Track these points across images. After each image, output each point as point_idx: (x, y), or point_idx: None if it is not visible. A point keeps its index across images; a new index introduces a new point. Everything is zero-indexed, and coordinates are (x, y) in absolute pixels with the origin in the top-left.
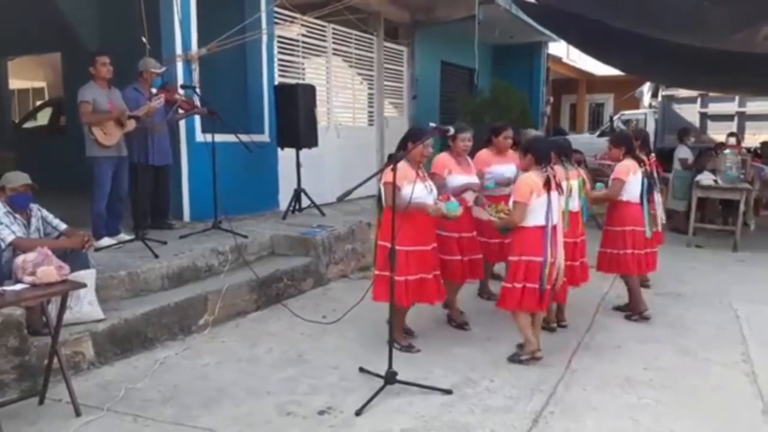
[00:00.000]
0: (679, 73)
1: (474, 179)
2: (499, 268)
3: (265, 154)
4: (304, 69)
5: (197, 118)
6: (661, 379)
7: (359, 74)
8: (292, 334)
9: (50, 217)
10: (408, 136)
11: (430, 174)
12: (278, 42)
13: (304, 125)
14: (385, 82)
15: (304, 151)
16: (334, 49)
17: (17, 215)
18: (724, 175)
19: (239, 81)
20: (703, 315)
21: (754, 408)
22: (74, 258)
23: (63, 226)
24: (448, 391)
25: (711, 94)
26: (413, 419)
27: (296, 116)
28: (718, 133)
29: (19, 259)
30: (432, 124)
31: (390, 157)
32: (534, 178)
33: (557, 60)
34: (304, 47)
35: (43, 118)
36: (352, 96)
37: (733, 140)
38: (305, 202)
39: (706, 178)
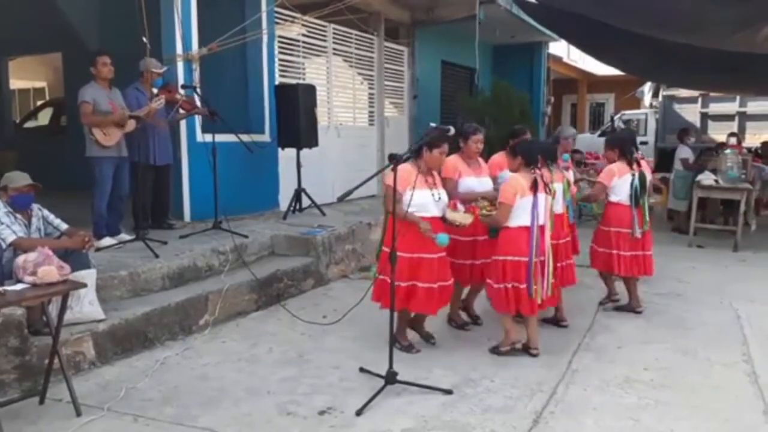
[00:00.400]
0: (680, 73)
1: (486, 182)
2: None
3: (266, 154)
4: (304, 69)
5: (198, 118)
6: (661, 379)
7: (360, 74)
8: (292, 334)
9: (51, 216)
10: (427, 141)
11: (442, 178)
12: (279, 42)
13: (305, 125)
14: (386, 82)
15: (304, 151)
16: (335, 49)
17: (18, 215)
18: (724, 175)
19: (240, 81)
20: (703, 315)
21: (755, 408)
22: (75, 258)
23: (64, 226)
24: (449, 391)
25: (712, 94)
26: (414, 419)
27: (297, 116)
28: (718, 133)
29: (20, 259)
30: (432, 124)
31: (391, 156)
32: (520, 179)
33: (558, 60)
34: (304, 47)
35: (44, 117)
36: (352, 96)
37: (733, 140)
38: (306, 202)
39: (706, 178)
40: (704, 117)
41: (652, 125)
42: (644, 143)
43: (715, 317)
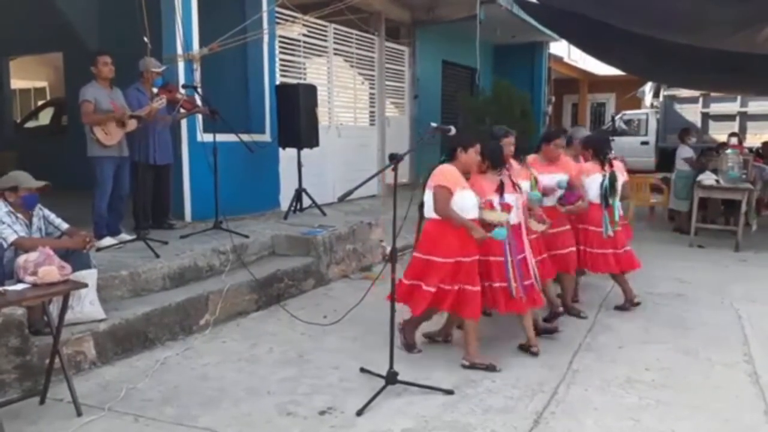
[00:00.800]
0: (681, 73)
1: (523, 186)
2: None
3: (267, 153)
4: (305, 69)
5: (199, 118)
6: (662, 380)
7: (360, 74)
8: (292, 334)
9: (52, 216)
10: (459, 141)
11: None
12: (279, 42)
13: (306, 125)
14: (387, 82)
15: (305, 151)
16: (336, 49)
17: (19, 215)
18: (725, 175)
19: (240, 81)
20: (704, 315)
21: (756, 408)
22: (76, 258)
23: (65, 226)
24: (449, 392)
25: (713, 94)
26: (414, 419)
27: (297, 116)
28: (719, 133)
29: (21, 259)
30: (433, 124)
31: (391, 156)
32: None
33: (559, 60)
34: (305, 47)
35: (45, 117)
36: (353, 96)
37: (734, 140)
38: (306, 202)
39: (707, 178)
40: (705, 117)
41: (653, 125)
42: (645, 143)
43: (716, 317)
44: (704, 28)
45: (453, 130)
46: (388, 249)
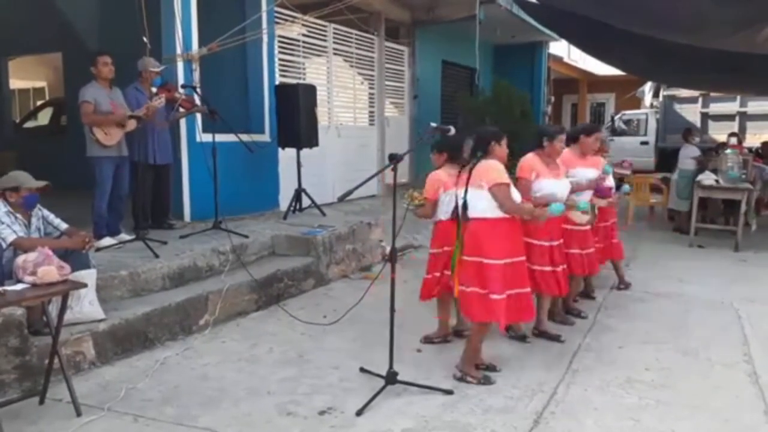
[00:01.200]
0: (681, 73)
1: (563, 184)
2: None
3: (266, 153)
4: (304, 69)
5: (198, 118)
6: (662, 380)
7: (360, 74)
8: (292, 334)
9: (51, 216)
10: (491, 135)
11: (517, 178)
12: (279, 42)
13: (305, 125)
14: (386, 82)
15: (304, 151)
16: (335, 49)
17: (18, 215)
18: (725, 175)
19: (240, 81)
20: (704, 315)
21: (756, 408)
22: (75, 258)
23: (64, 226)
24: (449, 392)
25: (712, 94)
26: (414, 419)
27: (297, 116)
28: (719, 133)
29: (20, 259)
30: (433, 124)
31: (391, 156)
32: (442, 175)
33: (558, 59)
34: (304, 47)
35: (44, 117)
36: (352, 96)
37: (734, 140)
38: (306, 202)
39: (707, 178)
40: (705, 117)
41: (652, 125)
42: (645, 143)
43: (715, 317)
44: (704, 28)
45: (452, 130)
46: (388, 249)
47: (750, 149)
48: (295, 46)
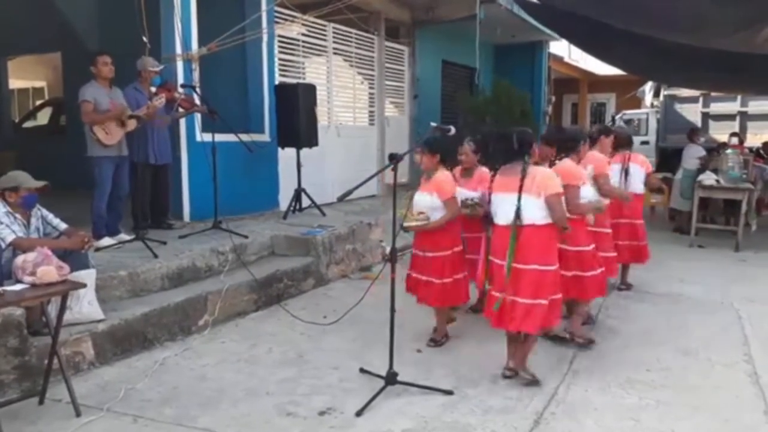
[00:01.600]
0: (681, 72)
1: (590, 187)
2: None
3: (266, 153)
4: (304, 68)
5: (198, 118)
6: (662, 380)
7: (360, 73)
8: (292, 335)
9: (50, 216)
10: (531, 136)
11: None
12: (279, 41)
13: (305, 125)
14: (386, 82)
15: (304, 151)
16: (335, 49)
17: (17, 215)
18: (726, 175)
19: (239, 80)
20: (704, 315)
21: (756, 408)
22: (74, 258)
23: (63, 226)
24: (449, 392)
25: (713, 93)
26: (414, 420)
27: (297, 116)
28: (719, 132)
29: (19, 259)
30: (433, 124)
31: (391, 156)
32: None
33: (559, 59)
34: (304, 46)
35: (43, 117)
36: (352, 95)
37: (735, 140)
38: (306, 201)
39: (708, 178)
40: (705, 117)
41: (653, 125)
42: (645, 143)
43: (716, 317)
44: (704, 28)
45: (453, 130)
46: (388, 249)
47: (751, 149)
48: (295, 46)
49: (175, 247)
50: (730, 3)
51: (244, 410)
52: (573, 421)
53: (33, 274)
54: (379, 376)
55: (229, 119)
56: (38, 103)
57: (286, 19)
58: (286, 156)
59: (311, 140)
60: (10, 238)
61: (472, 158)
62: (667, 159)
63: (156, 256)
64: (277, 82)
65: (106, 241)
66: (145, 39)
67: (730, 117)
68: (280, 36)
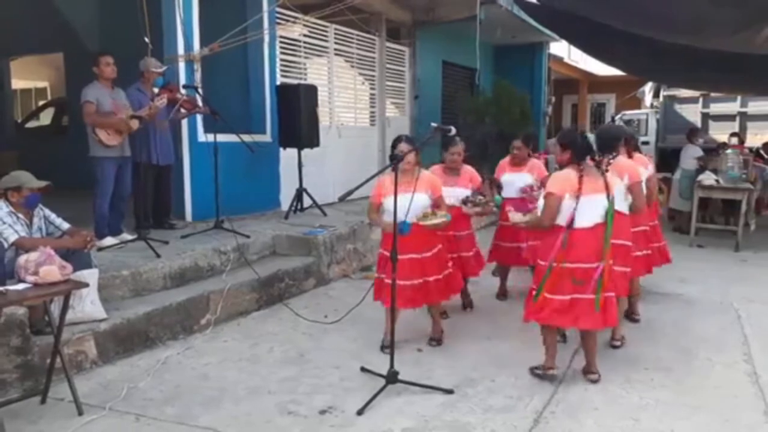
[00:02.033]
0: (681, 73)
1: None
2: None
3: (267, 154)
4: (306, 69)
5: (199, 118)
6: (662, 379)
7: (361, 74)
8: (293, 334)
9: (53, 216)
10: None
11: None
12: (280, 42)
13: (306, 125)
14: (387, 82)
15: (305, 151)
16: (336, 50)
17: (20, 215)
18: (725, 175)
19: (241, 81)
20: (704, 315)
21: (756, 408)
22: (77, 257)
23: (66, 226)
24: (450, 391)
25: (713, 94)
26: (414, 419)
27: (298, 116)
28: (719, 133)
29: (22, 259)
30: (434, 124)
31: (392, 157)
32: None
33: (559, 60)
34: (306, 47)
35: (46, 117)
36: (353, 96)
37: (735, 140)
38: (307, 201)
39: (707, 178)
40: (705, 117)
41: (652, 125)
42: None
43: (715, 317)
44: (704, 29)
45: (453, 130)
46: None
47: (751, 149)
48: (297, 47)
49: (177, 247)
50: (730, 3)
51: (246, 409)
52: (573, 420)
53: (36, 273)
54: (379, 375)
55: (231, 120)
56: (41, 103)
57: (287, 20)
58: (288, 156)
59: (312, 140)
60: (12, 237)
61: (463, 157)
62: (667, 159)
63: (158, 255)
64: (278, 83)
65: (109, 240)
66: (147, 39)
67: (730, 117)
68: (281, 37)
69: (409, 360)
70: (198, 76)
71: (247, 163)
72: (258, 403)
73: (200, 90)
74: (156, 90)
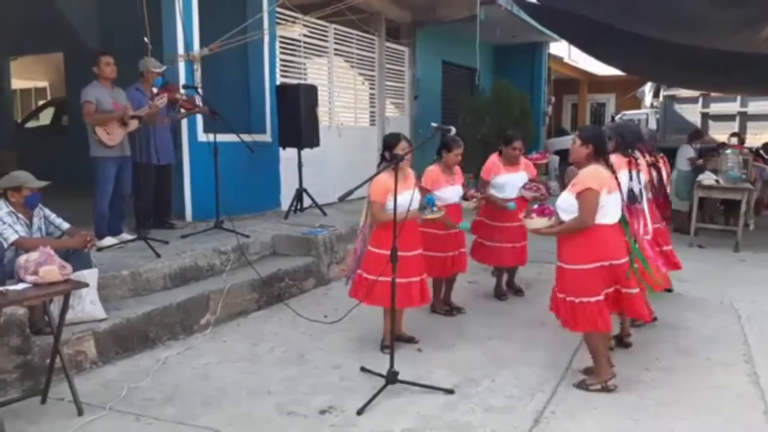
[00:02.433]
0: (681, 73)
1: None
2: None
3: (267, 153)
4: (305, 69)
5: (199, 118)
6: (662, 380)
7: (361, 74)
8: (293, 334)
9: (52, 216)
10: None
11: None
12: (280, 42)
13: (306, 125)
14: (387, 82)
15: (305, 151)
16: (336, 50)
17: (20, 215)
18: (725, 175)
19: (241, 81)
20: (704, 315)
21: (756, 408)
22: (76, 257)
23: (66, 226)
24: (450, 391)
25: (712, 94)
26: (414, 419)
27: (298, 116)
28: (719, 133)
29: (22, 259)
30: (434, 124)
31: (392, 157)
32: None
33: (559, 60)
34: (305, 47)
35: (46, 117)
36: (353, 96)
37: (735, 140)
38: (307, 201)
39: (707, 177)
40: (705, 117)
41: (653, 125)
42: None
43: (715, 317)
44: (705, 28)
45: (453, 130)
46: None
47: (750, 149)
48: (296, 47)
49: (177, 247)
50: (730, 4)
51: (246, 409)
52: (573, 420)
53: (35, 273)
54: (379, 375)
55: (231, 120)
56: (40, 103)
57: (287, 20)
58: (288, 156)
59: (312, 140)
60: (12, 237)
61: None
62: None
63: (158, 255)
64: (278, 83)
65: (109, 240)
66: (146, 39)
67: (729, 117)
68: (281, 37)
69: (409, 360)
70: (198, 76)
71: (247, 163)
72: (258, 403)
73: (200, 90)
74: (155, 90)
